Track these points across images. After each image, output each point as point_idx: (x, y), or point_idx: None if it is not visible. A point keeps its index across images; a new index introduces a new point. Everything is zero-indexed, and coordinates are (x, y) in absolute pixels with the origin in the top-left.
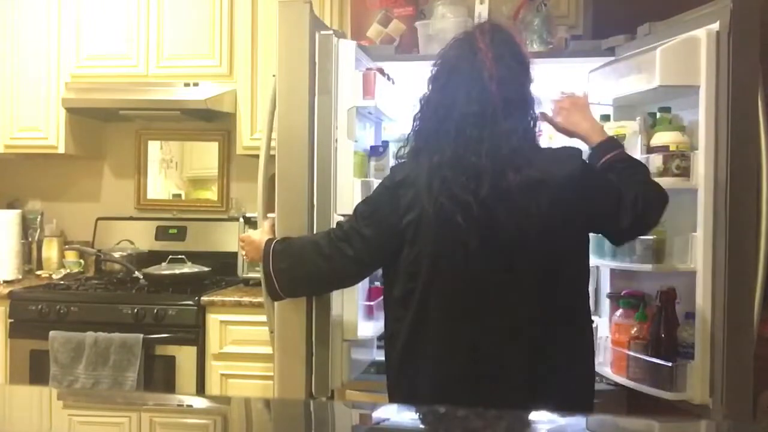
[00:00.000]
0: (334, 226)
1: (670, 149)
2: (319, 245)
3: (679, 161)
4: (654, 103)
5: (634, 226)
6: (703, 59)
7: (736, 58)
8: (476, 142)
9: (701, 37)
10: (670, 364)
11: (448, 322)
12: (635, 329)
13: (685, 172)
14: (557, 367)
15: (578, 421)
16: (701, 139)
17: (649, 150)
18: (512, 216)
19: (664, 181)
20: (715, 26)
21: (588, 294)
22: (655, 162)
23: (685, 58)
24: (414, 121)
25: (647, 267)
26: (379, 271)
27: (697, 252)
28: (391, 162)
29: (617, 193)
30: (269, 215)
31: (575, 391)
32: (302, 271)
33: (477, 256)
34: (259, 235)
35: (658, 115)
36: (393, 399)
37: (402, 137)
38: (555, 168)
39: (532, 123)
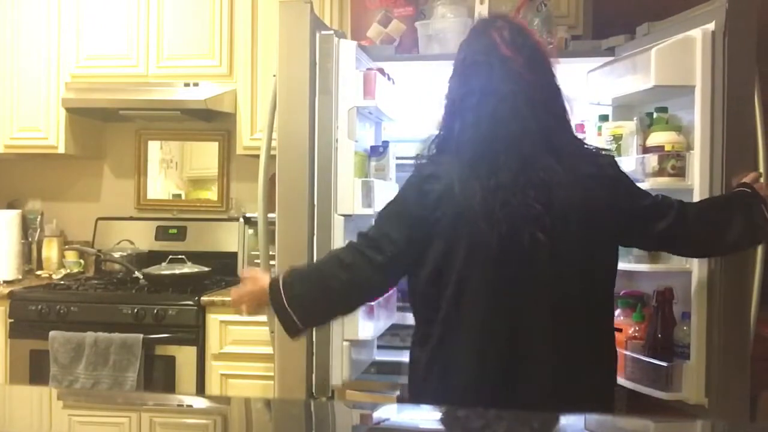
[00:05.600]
0: (354, 239)
1: (666, 149)
2: (338, 257)
3: (674, 161)
4: (651, 103)
5: (670, 235)
6: (698, 59)
7: (731, 58)
8: (509, 137)
9: (696, 37)
10: (666, 364)
11: (483, 322)
12: (633, 329)
13: (680, 172)
14: (587, 368)
15: (576, 420)
16: (696, 139)
17: (645, 150)
18: (551, 213)
19: (660, 181)
20: (711, 26)
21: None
22: (651, 162)
23: (681, 58)
24: (442, 117)
25: (644, 267)
26: None
27: None
28: (392, 162)
29: (654, 198)
30: (245, 270)
31: (602, 392)
32: (321, 291)
33: (514, 253)
34: (251, 284)
35: (655, 115)
36: (417, 399)
37: (401, 138)
38: (590, 167)
39: (564, 116)
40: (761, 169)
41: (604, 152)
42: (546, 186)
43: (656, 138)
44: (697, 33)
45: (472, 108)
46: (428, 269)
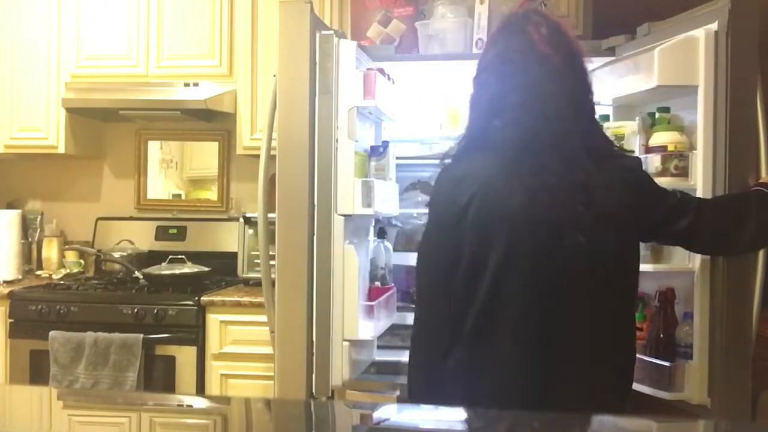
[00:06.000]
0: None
1: (668, 149)
2: None
3: (677, 161)
4: (653, 103)
5: (695, 233)
6: (701, 59)
7: (734, 58)
8: (552, 137)
9: (699, 37)
10: (668, 364)
11: (519, 324)
12: None
13: (683, 172)
14: (617, 369)
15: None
16: (699, 139)
17: (648, 150)
18: (591, 215)
19: (662, 181)
20: (714, 26)
21: (635, 295)
22: (653, 162)
23: (684, 58)
24: (472, 114)
25: (647, 267)
26: (380, 271)
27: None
28: (392, 162)
29: (675, 197)
30: None
31: (625, 392)
32: None
33: (554, 255)
34: None
35: (657, 115)
36: (434, 400)
37: (401, 138)
38: (622, 169)
39: (596, 116)
40: (763, 169)
41: (631, 155)
42: (587, 188)
43: (659, 138)
44: (699, 33)
45: (513, 106)
46: (461, 271)
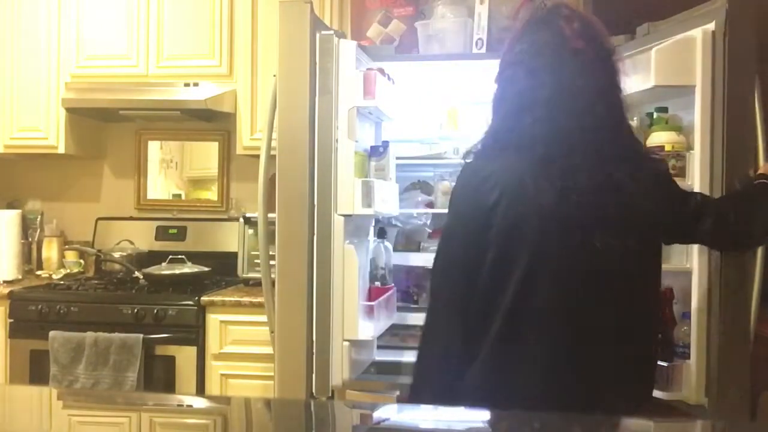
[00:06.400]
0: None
1: (666, 149)
2: None
3: (674, 161)
4: (651, 103)
5: (717, 234)
6: (698, 59)
7: (731, 58)
8: (584, 134)
9: (696, 37)
10: (666, 364)
11: (549, 321)
12: None
13: (680, 172)
14: (644, 368)
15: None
16: (697, 139)
17: None
18: (623, 215)
19: None
20: (711, 26)
21: (659, 296)
22: None
23: (681, 58)
24: (497, 110)
25: None
26: (380, 271)
27: (693, 252)
28: (392, 162)
29: (696, 199)
30: None
31: (648, 393)
32: None
33: (585, 257)
34: None
35: (655, 115)
36: (450, 401)
37: (401, 138)
38: (651, 170)
39: (625, 112)
40: (761, 160)
41: (657, 156)
42: (618, 188)
43: (657, 138)
44: (697, 33)
45: (544, 102)
46: (485, 271)
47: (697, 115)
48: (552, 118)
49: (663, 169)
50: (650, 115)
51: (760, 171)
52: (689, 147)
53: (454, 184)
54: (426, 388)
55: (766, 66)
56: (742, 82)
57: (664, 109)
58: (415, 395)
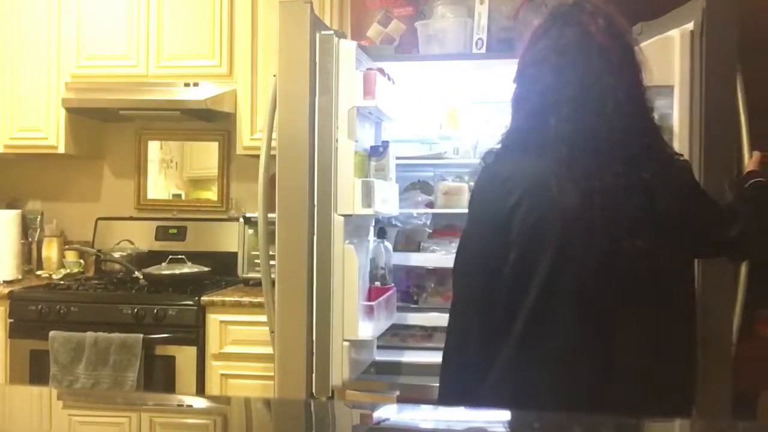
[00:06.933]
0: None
1: None
2: None
3: None
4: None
5: (739, 243)
6: (676, 59)
7: (709, 57)
8: (611, 134)
9: (675, 37)
10: None
11: (572, 325)
12: None
13: None
14: (677, 371)
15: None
16: (675, 138)
17: None
18: (651, 218)
19: None
20: (690, 26)
21: (694, 303)
22: None
23: (659, 58)
24: (518, 109)
25: None
26: (380, 271)
27: None
28: (392, 162)
29: (720, 205)
30: None
31: (686, 396)
32: None
33: (613, 261)
34: None
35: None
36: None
37: (401, 138)
38: (679, 172)
39: (651, 111)
40: (745, 157)
41: (682, 157)
42: (647, 190)
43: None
44: (675, 33)
45: (569, 100)
46: (506, 273)
47: (675, 115)
48: (578, 117)
49: (689, 170)
50: None
51: (749, 169)
52: None
53: (459, 184)
54: (452, 389)
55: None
56: (721, 81)
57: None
58: (442, 398)
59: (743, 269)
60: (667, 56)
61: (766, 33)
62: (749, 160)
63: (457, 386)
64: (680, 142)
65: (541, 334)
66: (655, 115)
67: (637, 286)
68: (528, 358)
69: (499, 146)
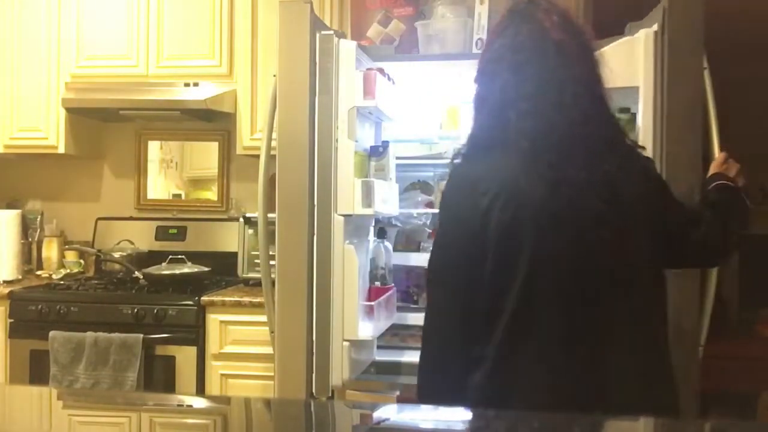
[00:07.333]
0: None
1: None
2: None
3: None
4: (616, 104)
5: (702, 246)
6: (641, 60)
7: (671, 57)
8: (571, 127)
9: (640, 38)
10: None
11: (553, 322)
12: None
13: None
14: (656, 364)
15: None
16: (640, 138)
17: None
18: (615, 210)
19: None
20: (655, 27)
21: (664, 303)
22: None
23: (625, 59)
24: (480, 110)
25: None
26: (380, 271)
27: None
28: (392, 162)
29: (688, 206)
30: None
31: (669, 390)
32: None
33: (581, 254)
34: None
35: (618, 115)
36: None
37: (401, 138)
38: (640, 164)
39: (609, 103)
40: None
41: (644, 150)
42: (610, 182)
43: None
44: (641, 34)
45: (528, 96)
46: (486, 280)
47: (640, 115)
48: (537, 111)
49: (651, 163)
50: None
51: (712, 172)
52: None
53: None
54: (432, 396)
55: (741, 70)
56: (684, 82)
57: (626, 110)
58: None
59: (713, 279)
60: (633, 57)
61: (764, 35)
62: (713, 163)
63: (439, 394)
64: (643, 140)
65: (525, 334)
66: (616, 113)
67: (608, 281)
68: (512, 359)
69: (465, 148)
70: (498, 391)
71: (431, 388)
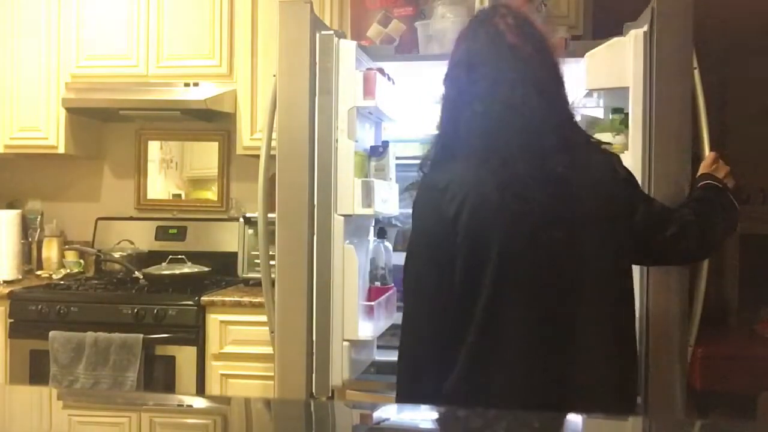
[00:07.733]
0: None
1: None
2: None
3: None
4: (611, 104)
5: (674, 242)
6: (630, 61)
7: (660, 58)
8: (522, 126)
9: (630, 39)
10: None
11: (522, 327)
12: None
13: None
14: (619, 367)
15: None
16: (630, 139)
17: None
18: (570, 210)
19: None
20: (645, 27)
21: (629, 296)
22: None
23: (614, 60)
24: (443, 115)
25: None
26: (380, 271)
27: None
28: (392, 162)
29: (661, 203)
30: None
31: (629, 393)
32: None
33: (531, 252)
34: None
35: (611, 116)
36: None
37: (401, 138)
38: (602, 163)
39: (570, 108)
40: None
41: (608, 147)
42: (564, 181)
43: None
44: (630, 35)
45: (481, 97)
46: (455, 287)
47: (630, 116)
48: (488, 112)
49: (614, 161)
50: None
51: (701, 172)
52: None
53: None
54: (410, 399)
55: (738, 70)
56: (674, 82)
57: (618, 110)
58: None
59: (705, 266)
60: (621, 59)
61: (762, 35)
62: (702, 163)
63: (415, 397)
64: (633, 141)
65: (494, 339)
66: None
67: (568, 278)
68: (483, 364)
69: (432, 153)
70: (470, 394)
71: (408, 397)
